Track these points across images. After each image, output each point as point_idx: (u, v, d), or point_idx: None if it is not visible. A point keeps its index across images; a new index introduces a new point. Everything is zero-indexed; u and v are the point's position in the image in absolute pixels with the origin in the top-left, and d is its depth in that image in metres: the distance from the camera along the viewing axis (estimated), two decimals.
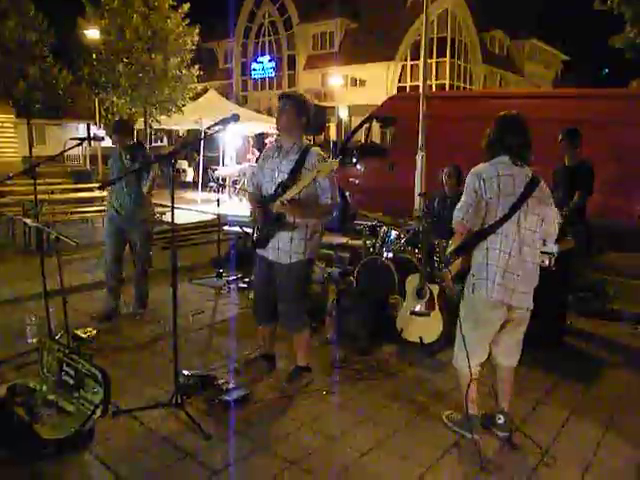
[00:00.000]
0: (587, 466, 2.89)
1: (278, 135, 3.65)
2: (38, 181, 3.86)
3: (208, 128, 4.29)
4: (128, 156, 4.70)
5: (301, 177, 3.34)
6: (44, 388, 3.30)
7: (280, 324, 3.78)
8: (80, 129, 27.78)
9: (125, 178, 4.55)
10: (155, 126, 16.21)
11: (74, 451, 2.87)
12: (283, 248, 3.51)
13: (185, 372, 3.62)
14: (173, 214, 3.43)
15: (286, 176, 3.43)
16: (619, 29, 12.32)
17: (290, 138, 3.51)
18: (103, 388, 2.99)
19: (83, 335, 4.39)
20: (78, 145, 4.70)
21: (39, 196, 4.60)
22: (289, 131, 3.48)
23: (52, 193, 9.21)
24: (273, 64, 35.62)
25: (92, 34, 14.85)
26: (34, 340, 4.22)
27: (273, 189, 3.49)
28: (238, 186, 14.13)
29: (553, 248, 4.46)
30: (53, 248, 3.73)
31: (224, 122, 3.35)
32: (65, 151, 4.72)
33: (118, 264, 4.93)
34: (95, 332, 4.49)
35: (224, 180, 14.77)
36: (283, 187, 3.40)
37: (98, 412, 2.98)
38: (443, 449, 3.01)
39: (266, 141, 14.51)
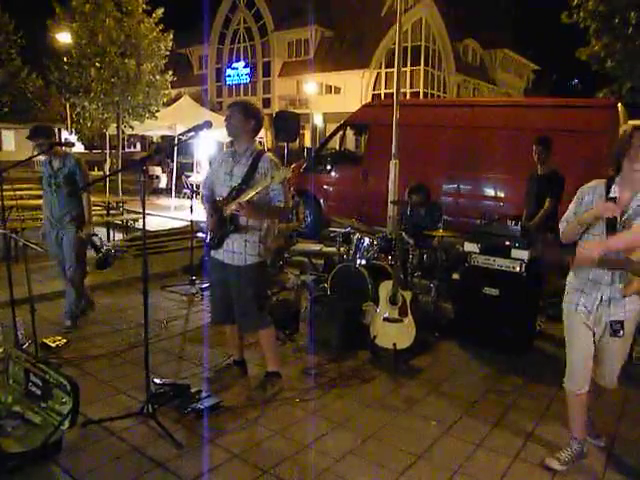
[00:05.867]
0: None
1: (231, 141, 3.70)
2: (6, 186, 3.78)
3: (181, 135, 4.27)
4: (57, 161, 4.71)
5: (255, 181, 3.40)
6: (9, 399, 3.21)
7: (239, 325, 3.77)
8: None
9: (53, 183, 4.66)
10: (128, 132, 16.00)
11: (40, 464, 2.79)
12: (237, 250, 3.54)
13: (157, 381, 3.59)
14: (144, 221, 3.39)
15: (240, 180, 3.49)
16: (587, 41, 12.61)
17: (242, 143, 3.57)
18: (72, 398, 2.93)
19: (51, 344, 4.29)
20: (48, 150, 4.63)
21: (7, 202, 4.50)
22: (239, 135, 3.56)
23: (21, 199, 9.01)
24: (248, 70, 35.56)
25: (62, 37, 14.60)
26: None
27: (227, 192, 3.54)
28: None
29: (523, 255, 4.57)
30: (21, 255, 3.65)
31: (197, 129, 3.34)
32: (35, 156, 4.66)
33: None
34: (64, 341, 4.39)
35: (197, 187, 14.65)
36: (237, 191, 3.45)
37: (66, 423, 2.92)
38: (417, 455, 3.03)
39: None
